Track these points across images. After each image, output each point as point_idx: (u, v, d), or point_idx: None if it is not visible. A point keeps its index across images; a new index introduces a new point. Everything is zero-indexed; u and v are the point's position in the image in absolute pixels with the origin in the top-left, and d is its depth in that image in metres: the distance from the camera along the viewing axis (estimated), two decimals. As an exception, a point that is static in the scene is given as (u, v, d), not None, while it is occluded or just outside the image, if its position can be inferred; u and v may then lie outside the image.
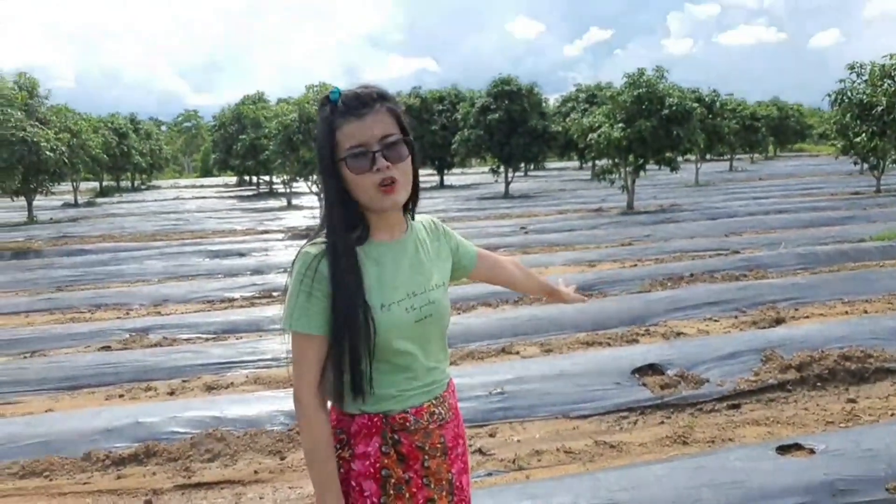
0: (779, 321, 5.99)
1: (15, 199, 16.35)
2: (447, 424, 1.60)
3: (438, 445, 1.56)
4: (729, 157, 36.35)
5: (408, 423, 1.51)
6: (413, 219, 1.63)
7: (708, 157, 33.68)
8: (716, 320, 6.20)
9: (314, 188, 16.13)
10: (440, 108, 30.72)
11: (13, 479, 3.64)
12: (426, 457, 1.54)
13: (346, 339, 1.44)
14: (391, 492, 1.49)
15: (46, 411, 4.62)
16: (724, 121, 25.95)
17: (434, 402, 1.57)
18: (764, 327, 5.81)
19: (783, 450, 3.41)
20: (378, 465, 1.49)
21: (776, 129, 41.54)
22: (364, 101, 1.45)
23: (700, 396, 4.36)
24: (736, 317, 6.27)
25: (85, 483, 3.59)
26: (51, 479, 3.63)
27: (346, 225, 1.48)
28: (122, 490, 3.50)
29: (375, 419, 1.49)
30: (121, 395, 4.91)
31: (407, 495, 1.51)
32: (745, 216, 13.87)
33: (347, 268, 1.45)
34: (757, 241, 10.50)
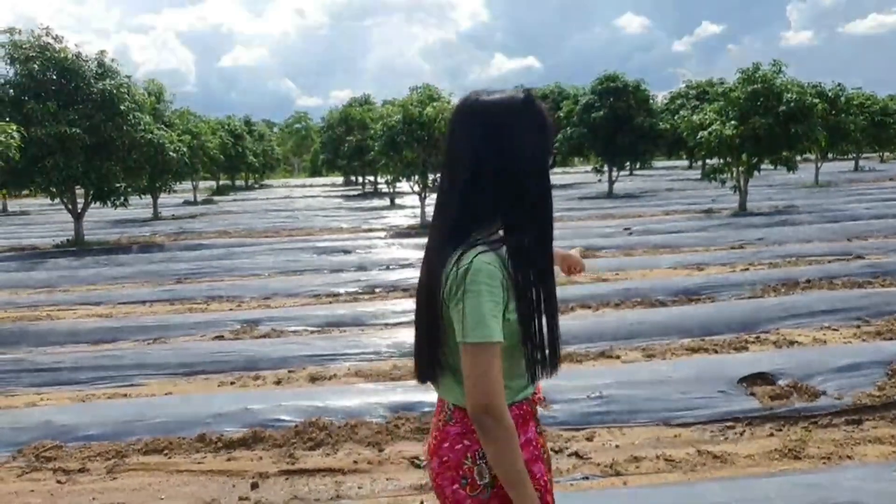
0: (907, 332, 5.54)
1: (142, 196, 17.60)
2: None
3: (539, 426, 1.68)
4: (854, 155, 33.92)
5: (536, 406, 1.63)
6: None
7: (830, 155, 31.60)
8: (834, 329, 5.81)
9: (416, 188, 16.39)
10: (543, 107, 30.42)
11: (138, 454, 3.93)
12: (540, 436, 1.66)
13: (546, 320, 1.51)
14: (548, 468, 1.63)
15: (166, 394, 4.96)
16: (850, 117, 24.25)
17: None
18: (890, 338, 5.39)
19: (909, 471, 3.15)
20: (540, 446, 1.61)
21: (911, 125, 38.27)
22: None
23: (815, 409, 4.10)
24: (858, 326, 5.85)
25: (199, 463, 3.82)
26: (169, 457, 3.89)
27: (552, 216, 1.54)
28: (231, 472, 3.71)
29: (525, 406, 1.57)
30: (231, 382, 5.19)
31: (548, 468, 1.64)
32: (870, 219, 12.92)
33: (551, 255, 1.54)
34: (885, 245, 9.74)
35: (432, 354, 1.56)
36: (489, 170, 1.46)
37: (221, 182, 40.45)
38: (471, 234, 1.47)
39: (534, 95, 1.52)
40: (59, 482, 3.64)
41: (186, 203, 28.32)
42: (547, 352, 1.52)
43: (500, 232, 1.49)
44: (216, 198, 32.55)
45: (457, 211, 1.49)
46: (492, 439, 1.42)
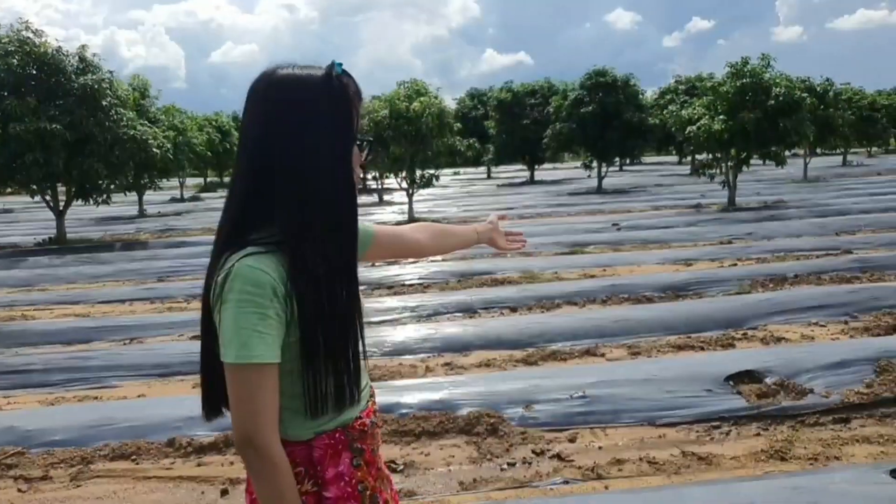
0: (896, 328, 5.47)
1: (127, 194, 17.39)
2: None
3: (380, 443, 1.45)
4: (842, 150, 34.03)
5: (365, 428, 1.36)
6: None
7: (819, 150, 31.68)
8: (822, 325, 5.73)
9: (403, 184, 16.26)
10: (532, 101, 30.39)
11: (104, 460, 3.79)
12: (377, 459, 1.42)
13: (347, 341, 1.26)
14: (372, 502, 1.36)
15: (139, 396, 4.81)
16: (838, 112, 24.29)
17: (372, 400, 1.44)
18: (879, 334, 5.31)
19: (898, 473, 3.06)
20: (354, 481, 1.34)
21: (898, 121, 38.44)
22: (357, 88, 1.30)
23: (802, 408, 4.01)
24: (846, 322, 5.77)
25: (168, 468, 3.68)
26: (137, 463, 3.75)
27: (356, 212, 1.31)
28: (201, 477, 3.57)
29: (338, 435, 1.32)
30: (208, 384, 5.04)
31: (379, 502, 1.39)
32: (859, 214, 12.89)
33: (352, 257, 1.28)
34: (873, 240, 9.70)
35: (213, 380, 1.30)
36: (269, 162, 1.23)
37: (209, 179, 40.16)
38: (247, 237, 1.23)
39: (336, 69, 1.25)
40: (20, 491, 3.50)
41: (173, 200, 28.08)
42: (327, 397, 1.24)
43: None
44: (203, 195, 32.30)
45: (234, 210, 1.26)
46: (255, 476, 1.21)
